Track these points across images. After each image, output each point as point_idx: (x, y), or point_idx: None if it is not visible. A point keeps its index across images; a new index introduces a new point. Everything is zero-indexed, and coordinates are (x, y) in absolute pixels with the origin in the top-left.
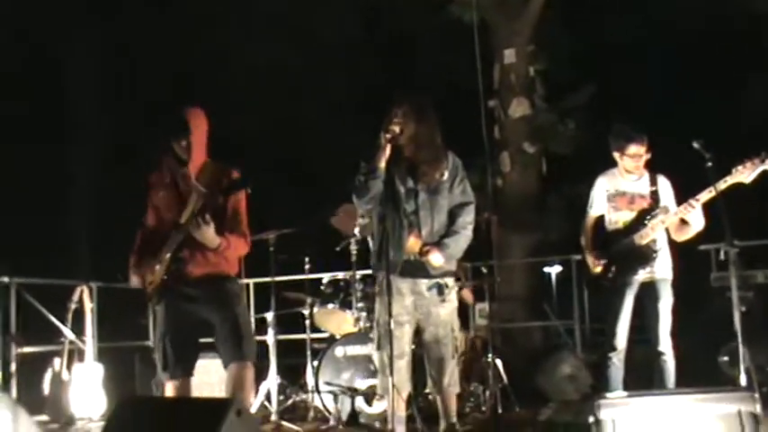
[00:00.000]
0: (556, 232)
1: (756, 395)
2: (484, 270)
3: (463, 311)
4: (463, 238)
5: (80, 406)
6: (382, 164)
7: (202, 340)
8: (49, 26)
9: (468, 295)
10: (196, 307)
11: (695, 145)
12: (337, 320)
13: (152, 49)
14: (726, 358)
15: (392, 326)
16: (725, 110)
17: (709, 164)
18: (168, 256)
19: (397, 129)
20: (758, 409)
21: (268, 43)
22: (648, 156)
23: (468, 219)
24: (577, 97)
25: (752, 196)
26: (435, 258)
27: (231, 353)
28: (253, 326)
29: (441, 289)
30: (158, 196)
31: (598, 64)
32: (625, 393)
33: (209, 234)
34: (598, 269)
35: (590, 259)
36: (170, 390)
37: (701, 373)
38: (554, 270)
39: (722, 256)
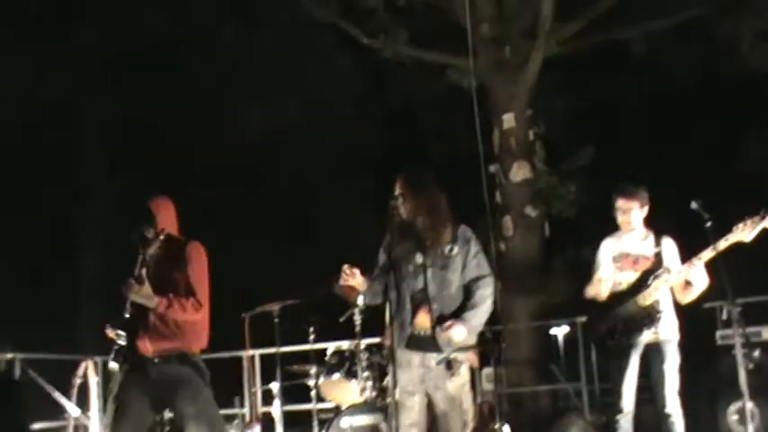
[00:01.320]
0: (561, 295)
1: None
2: (488, 335)
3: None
4: (483, 311)
5: None
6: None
7: None
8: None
9: (474, 360)
10: (151, 389)
11: (693, 205)
12: (343, 390)
13: (156, 116)
14: (735, 417)
15: (397, 396)
16: (723, 165)
17: (709, 224)
18: (120, 331)
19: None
20: None
21: (270, 106)
22: (644, 213)
23: (486, 292)
24: (577, 159)
25: (757, 251)
26: (457, 333)
27: None
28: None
29: (449, 364)
30: None
31: (597, 125)
32: None
33: (143, 292)
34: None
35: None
36: None
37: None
38: (561, 332)
39: (725, 315)
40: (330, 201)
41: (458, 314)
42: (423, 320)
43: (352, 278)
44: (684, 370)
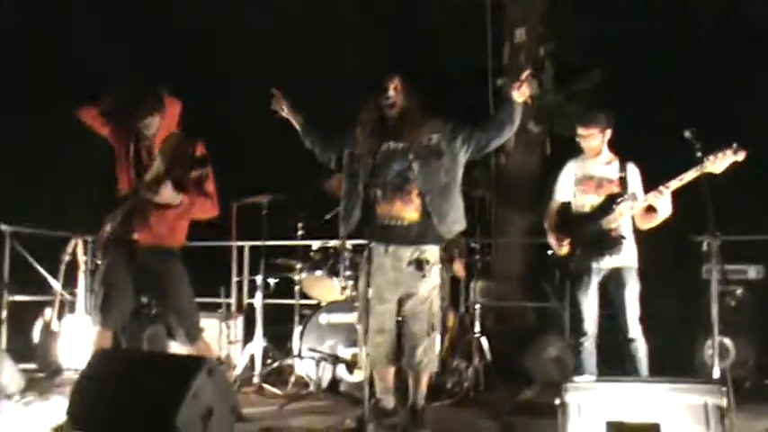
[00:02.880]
0: None
1: (724, 389)
2: (476, 247)
3: (455, 287)
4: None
5: (68, 357)
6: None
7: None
8: None
9: (460, 269)
10: (138, 275)
11: (687, 134)
12: (324, 288)
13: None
14: (710, 351)
15: (371, 297)
16: (729, 108)
17: (699, 153)
18: (119, 217)
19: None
20: (725, 402)
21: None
22: (606, 137)
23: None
24: (585, 81)
25: (748, 190)
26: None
27: (179, 336)
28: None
29: (420, 264)
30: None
31: (608, 50)
32: (592, 378)
33: (166, 193)
34: (564, 250)
35: (553, 241)
36: (96, 336)
37: (688, 364)
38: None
39: (704, 248)
40: (335, 107)
41: (453, 202)
42: (399, 209)
43: (280, 99)
44: (672, 303)
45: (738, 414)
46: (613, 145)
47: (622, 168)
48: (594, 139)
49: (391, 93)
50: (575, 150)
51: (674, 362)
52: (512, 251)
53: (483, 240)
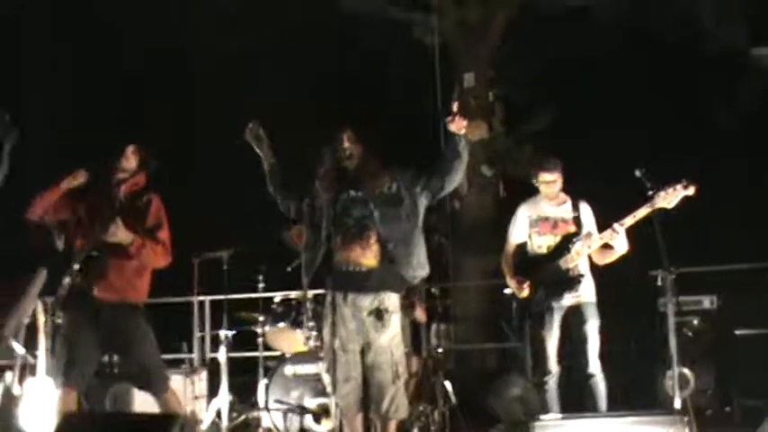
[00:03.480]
0: None
1: (687, 418)
2: (435, 292)
3: (417, 333)
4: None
5: (30, 421)
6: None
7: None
8: None
9: (421, 314)
10: (101, 332)
11: (637, 173)
12: (288, 339)
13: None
14: (671, 382)
15: (336, 347)
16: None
17: (651, 192)
18: (75, 271)
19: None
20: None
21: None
22: (560, 180)
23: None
24: (536, 122)
25: (698, 222)
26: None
27: (145, 389)
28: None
29: (380, 314)
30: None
31: (558, 89)
32: (559, 416)
33: (117, 231)
34: (524, 293)
35: (513, 284)
36: (59, 399)
37: (648, 396)
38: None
39: (659, 282)
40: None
41: (414, 249)
42: (357, 255)
43: (257, 132)
44: (630, 336)
45: None
46: (565, 184)
47: (575, 208)
48: (558, 183)
49: (346, 144)
50: (528, 191)
51: (636, 395)
52: (470, 294)
53: (442, 285)
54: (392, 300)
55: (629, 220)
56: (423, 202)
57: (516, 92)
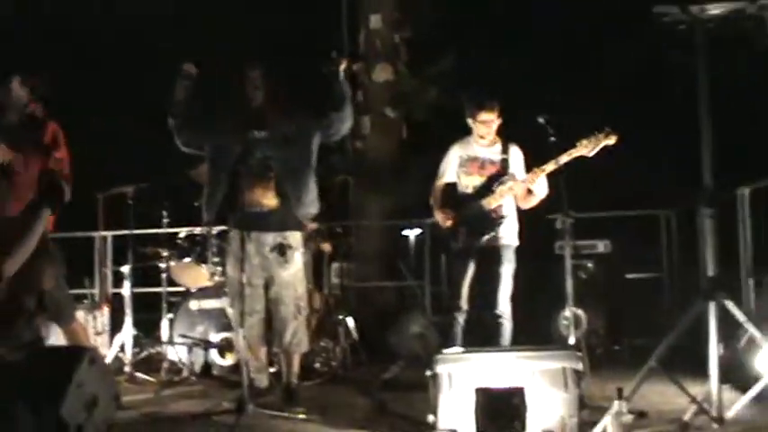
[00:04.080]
0: (414, 197)
1: (579, 354)
2: (339, 230)
3: (319, 270)
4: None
5: None
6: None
7: None
8: None
9: (327, 246)
10: None
11: (540, 120)
12: (193, 274)
13: None
14: (564, 322)
15: (243, 281)
16: (580, 85)
17: (552, 138)
18: None
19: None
20: (581, 366)
21: None
22: (499, 122)
23: None
24: (440, 64)
25: (599, 169)
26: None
27: (52, 320)
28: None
29: (282, 250)
30: None
31: (462, 32)
32: (461, 350)
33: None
34: (448, 223)
35: (439, 216)
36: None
37: (544, 335)
38: (413, 233)
39: (558, 225)
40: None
41: (307, 187)
42: (259, 196)
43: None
44: (528, 277)
45: (592, 377)
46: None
47: (505, 150)
48: (494, 124)
49: (255, 84)
50: (431, 134)
51: (532, 334)
52: (371, 233)
53: (344, 223)
54: (295, 236)
55: (551, 166)
56: (316, 142)
57: (421, 34)
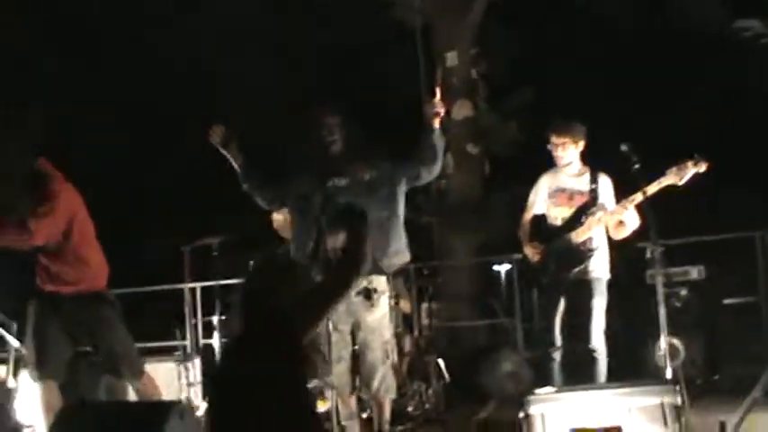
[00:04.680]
0: (500, 232)
1: (678, 388)
2: (425, 272)
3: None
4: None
5: (26, 414)
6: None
7: (149, 345)
8: None
9: (406, 306)
10: (66, 324)
11: (623, 148)
12: None
13: None
14: (661, 353)
15: (330, 329)
16: (664, 110)
17: (636, 166)
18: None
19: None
20: (679, 401)
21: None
22: (579, 149)
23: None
24: (519, 98)
25: (689, 193)
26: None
27: (117, 377)
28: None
29: (368, 294)
30: None
31: (540, 65)
32: (553, 389)
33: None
34: (537, 257)
35: (528, 250)
36: (41, 392)
37: (640, 367)
38: (503, 268)
39: (648, 255)
40: (272, 141)
41: (391, 237)
42: (342, 241)
43: (220, 134)
44: (619, 308)
45: (692, 410)
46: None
47: (594, 180)
48: (567, 148)
49: (332, 129)
50: (514, 169)
51: (627, 367)
52: (459, 272)
53: (430, 264)
54: (381, 281)
55: (639, 196)
56: (401, 190)
57: (499, 70)
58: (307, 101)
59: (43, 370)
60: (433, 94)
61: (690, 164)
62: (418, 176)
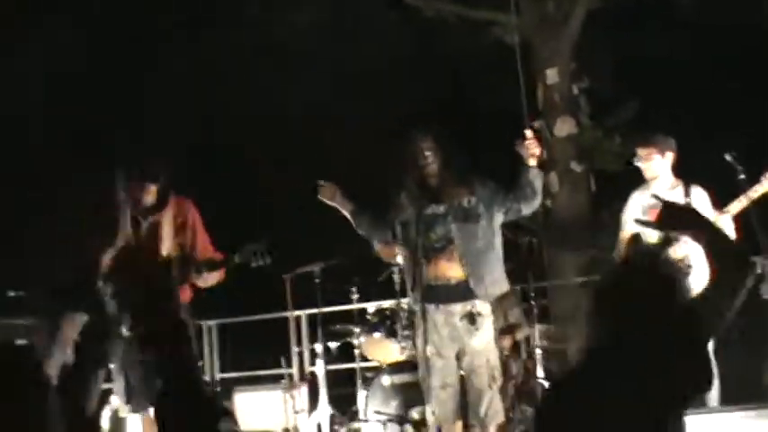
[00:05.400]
0: (609, 250)
1: None
2: (532, 293)
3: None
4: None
5: None
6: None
7: (256, 373)
8: None
9: (507, 343)
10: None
11: (727, 157)
12: (384, 349)
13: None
14: None
15: (429, 354)
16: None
17: (742, 176)
18: None
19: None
20: None
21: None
22: (667, 160)
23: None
24: (622, 113)
25: None
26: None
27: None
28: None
29: (472, 318)
30: None
31: (642, 78)
32: None
33: None
34: None
35: None
36: (141, 421)
37: (757, 388)
38: None
39: (759, 269)
40: (375, 165)
41: (489, 264)
42: (444, 269)
43: (326, 188)
44: (733, 326)
45: None
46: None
47: (687, 193)
48: (652, 160)
49: (428, 153)
50: (620, 185)
51: (743, 387)
52: (567, 292)
53: (537, 284)
54: (484, 305)
55: (736, 206)
56: (498, 221)
57: (600, 84)
58: (406, 126)
59: (134, 402)
60: (525, 135)
61: None
62: (518, 211)
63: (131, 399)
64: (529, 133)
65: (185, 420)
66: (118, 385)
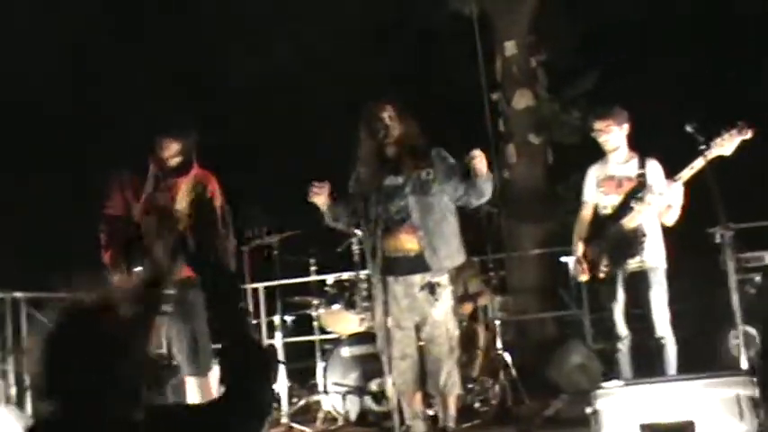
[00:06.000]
0: (567, 222)
1: (755, 379)
2: (490, 264)
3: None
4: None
5: None
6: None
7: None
8: None
9: (467, 308)
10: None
11: (688, 128)
12: (343, 321)
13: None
14: (735, 341)
15: (390, 326)
16: (728, 91)
17: (702, 147)
18: None
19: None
20: (757, 393)
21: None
22: (623, 132)
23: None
24: (580, 85)
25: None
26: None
27: (189, 367)
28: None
29: (432, 288)
30: None
31: (600, 50)
32: (621, 383)
33: None
34: (582, 278)
35: (578, 266)
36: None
37: (713, 357)
38: (571, 259)
39: (717, 239)
40: (333, 138)
41: (444, 237)
42: (403, 242)
43: (320, 192)
44: (690, 296)
45: None
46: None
47: (641, 165)
48: (611, 132)
49: (387, 122)
50: (577, 157)
51: (701, 355)
52: (525, 263)
53: (495, 256)
54: (443, 276)
55: (687, 173)
56: (451, 197)
57: (558, 56)
58: (364, 97)
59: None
60: (474, 153)
61: (734, 131)
62: (468, 204)
63: (195, 359)
64: (477, 151)
65: (251, 371)
66: (180, 345)
